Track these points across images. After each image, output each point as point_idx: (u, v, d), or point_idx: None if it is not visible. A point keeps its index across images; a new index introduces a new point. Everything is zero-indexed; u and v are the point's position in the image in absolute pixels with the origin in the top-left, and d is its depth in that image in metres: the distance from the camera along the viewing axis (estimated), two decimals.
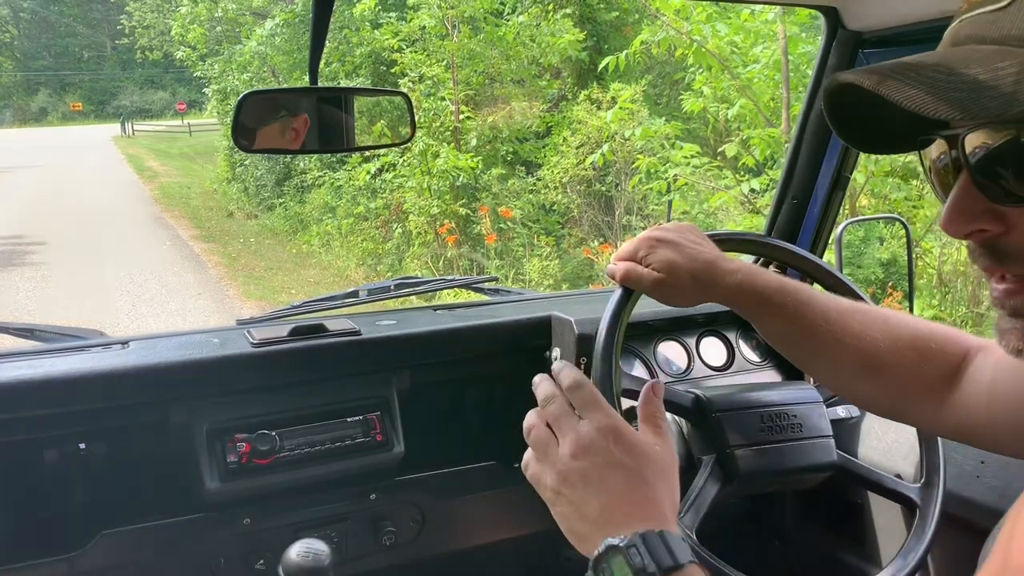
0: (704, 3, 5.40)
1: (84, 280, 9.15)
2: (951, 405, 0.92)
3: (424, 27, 9.79)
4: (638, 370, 1.49)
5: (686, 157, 6.28)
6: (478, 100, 10.77)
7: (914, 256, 1.76)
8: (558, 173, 9.15)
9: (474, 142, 9.80)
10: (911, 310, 1.60)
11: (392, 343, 1.38)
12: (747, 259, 1.54)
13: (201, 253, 10.94)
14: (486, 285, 1.75)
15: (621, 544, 0.63)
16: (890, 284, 5.00)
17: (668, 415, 1.10)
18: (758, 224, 5.25)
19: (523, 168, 10.13)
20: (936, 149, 0.61)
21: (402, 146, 8.65)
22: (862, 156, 2.84)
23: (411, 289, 1.65)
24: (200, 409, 1.23)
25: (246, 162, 14.33)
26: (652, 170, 6.60)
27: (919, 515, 1.16)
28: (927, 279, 5.19)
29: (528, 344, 1.45)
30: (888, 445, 1.47)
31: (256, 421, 1.25)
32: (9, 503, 1.20)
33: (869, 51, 1.49)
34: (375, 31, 10.96)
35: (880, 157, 4.63)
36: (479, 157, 9.43)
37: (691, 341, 1.57)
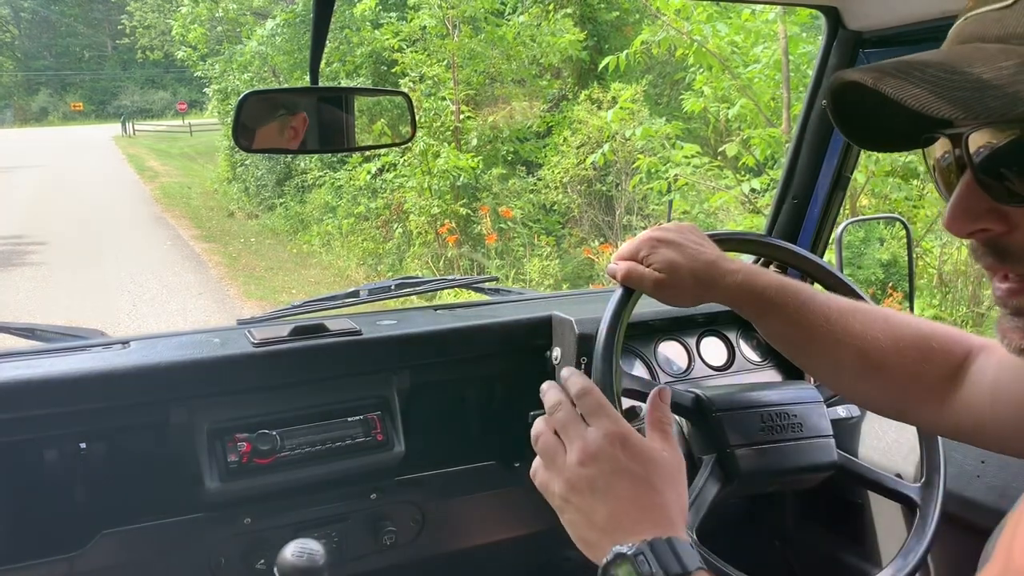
0: (704, 3, 5.40)
1: (84, 280, 9.15)
2: (953, 405, 0.92)
3: (425, 27, 9.80)
4: (638, 370, 1.49)
5: (686, 157, 6.28)
6: (479, 100, 10.77)
7: (914, 256, 1.76)
8: (558, 173, 9.15)
9: (475, 142, 9.80)
10: (912, 310, 1.60)
11: (392, 343, 1.38)
12: (748, 259, 1.54)
13: (202, 253, 10.94)
14: (486, 285, 1.75)
15: (629, 552, 0.63)
16: (890, 284, 5.01)
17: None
18: (758, 224, 5.24)
19: (523, 168, 10.14)
20: (940, 148, 0.61)
21: (403, 146, 8.65)
22: (862, 156, 2.84)
23: (411, 289, 1.65)
24: (200, 409, 1.23)
25: (247, 162, 14.34)
26: (652, 170, 6.60)
27: (919, 515, 1.16)
28: (927, 279, 5.19)
29: (528, 344, 1.45)
30: (888, 445, 1.47)
31: (257, 421, 1.25)
32: (9, 503, 1.20)
33: (870, 51, 1.49)
34: (376, 31, 10.96)
35: (880, 157, 4.63)
36: (480, 157, 9.44)
37: (691, 341, 1.57)
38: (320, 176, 11.99)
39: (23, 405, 1.15)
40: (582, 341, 1.33)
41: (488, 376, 1.50)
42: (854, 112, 0.64)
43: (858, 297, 1.12)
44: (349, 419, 1.31)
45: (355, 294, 1.55)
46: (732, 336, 1.60)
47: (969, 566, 0.65)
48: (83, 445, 1.23)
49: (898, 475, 1.34)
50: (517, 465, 1.44)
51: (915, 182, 5.17)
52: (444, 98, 9.68)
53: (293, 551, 1.01)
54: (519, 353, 1.46)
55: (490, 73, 10.28)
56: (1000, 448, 0.92)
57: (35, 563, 1.15)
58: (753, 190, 5.58)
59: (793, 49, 5.13)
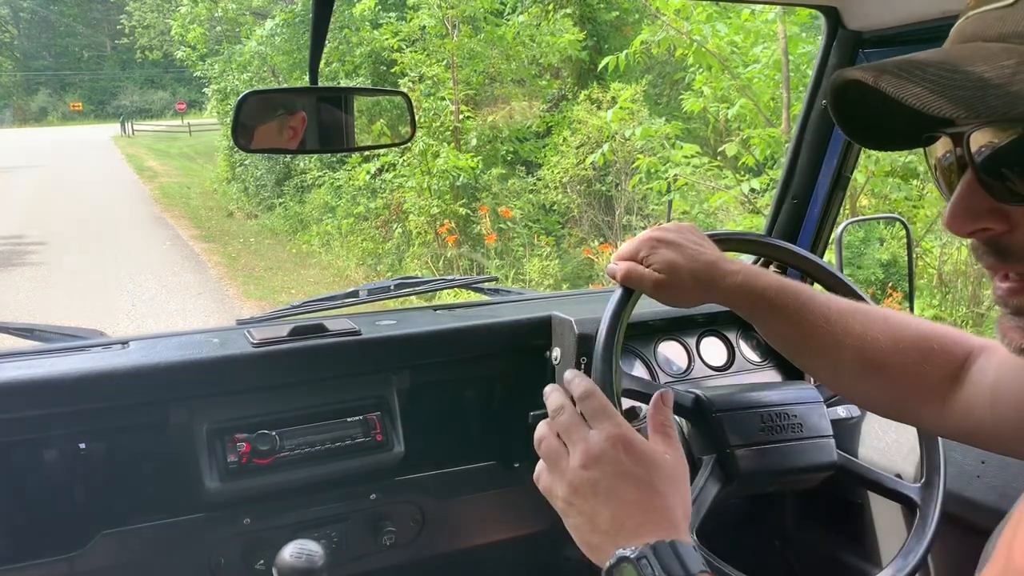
0: (704, 3, 5.40)
1: (84, 280, 9.15)
2: (953, 405, 0.92)
3: (424, 27, 9.80)
4: (638, 370, 1.48)
5: (686, 157, 6.28)
6: (478, 100, 10.77)
7: (914, 256, 1.76)
8: (558, 173, 9.15)
9: (474, 142, 9.80)
10: (911, 310, 1.60)
11: (392, 343, 1.38)
12: (747, 259, 1.54)
13: (201, 253, 10.94)
14: (486, 285, 1.75)
15: (632, 555, 0.63)
16: (890, 284, 5.00)
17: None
18: (758, 224, 5.24)
19: (523, 168, 10.14)
20: (941, 147, 0.61)
21: (402, 146, 8.66)
22: (862, 156, 2.84)
23: (411, 289, 1.65)
24: (200, 409, 1.23)
25: (246, 162, 14.34)
26: (652, 170, 6.60)
27: (919, 515, 1.16)
28: (927, 279, 5.19)
29: (528, 344, 1.45)
30: (888, 445, 1.47)
31: (256, 421, 1.25)
32: (9, 503, 1.20)
33: (869, 51, 1.49)
34: (375, 31, 10.96)
35: (880, 157, 4.63)
36: (479, 157, 9.44)
37: (691, 341, 1.57)
38: (319, 176, 11.98)
39: (23, 405, 1.15)
40: (582, 341, 1.33)
41: (488, 376, 1.50)
42: (855, 111, 0.64)
43: (858, 297, 1.12)
44: (349, 419, 1.31)
45: (354, 294, 1.55)
46: (732, 336, 1.60)
47: (969, 566, 0.65)
48: (83, 445, 1.23)
49: (898, 475, 1.34)
50: (517, 465, 1.44)
51: (915, 182, 5.17)
52: (443, 98, 9.67)
53: (291, 552, 1.01)
54: (519, 353, 1.46)
55: (489, 73, 10.28)
56: (1000, 449, 0.92)
57: (35, 563, 1.15)
58: (753, 190, 5.58)
59: (793, 49, 5.13)
